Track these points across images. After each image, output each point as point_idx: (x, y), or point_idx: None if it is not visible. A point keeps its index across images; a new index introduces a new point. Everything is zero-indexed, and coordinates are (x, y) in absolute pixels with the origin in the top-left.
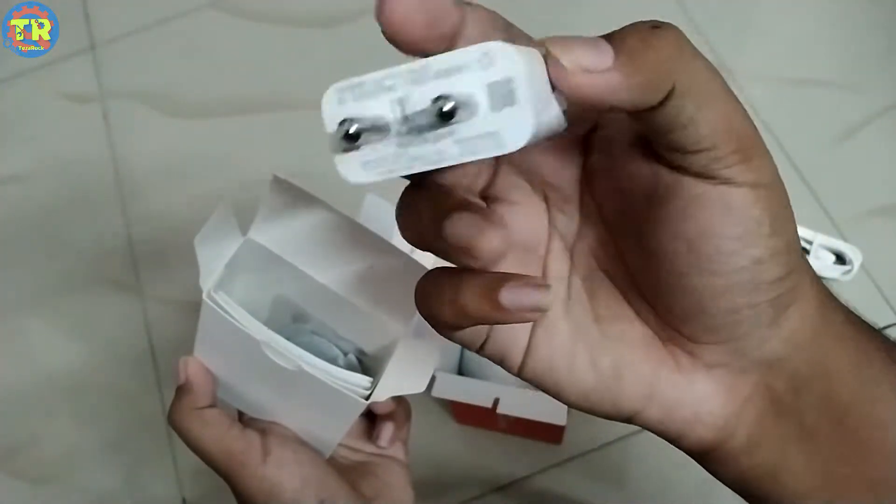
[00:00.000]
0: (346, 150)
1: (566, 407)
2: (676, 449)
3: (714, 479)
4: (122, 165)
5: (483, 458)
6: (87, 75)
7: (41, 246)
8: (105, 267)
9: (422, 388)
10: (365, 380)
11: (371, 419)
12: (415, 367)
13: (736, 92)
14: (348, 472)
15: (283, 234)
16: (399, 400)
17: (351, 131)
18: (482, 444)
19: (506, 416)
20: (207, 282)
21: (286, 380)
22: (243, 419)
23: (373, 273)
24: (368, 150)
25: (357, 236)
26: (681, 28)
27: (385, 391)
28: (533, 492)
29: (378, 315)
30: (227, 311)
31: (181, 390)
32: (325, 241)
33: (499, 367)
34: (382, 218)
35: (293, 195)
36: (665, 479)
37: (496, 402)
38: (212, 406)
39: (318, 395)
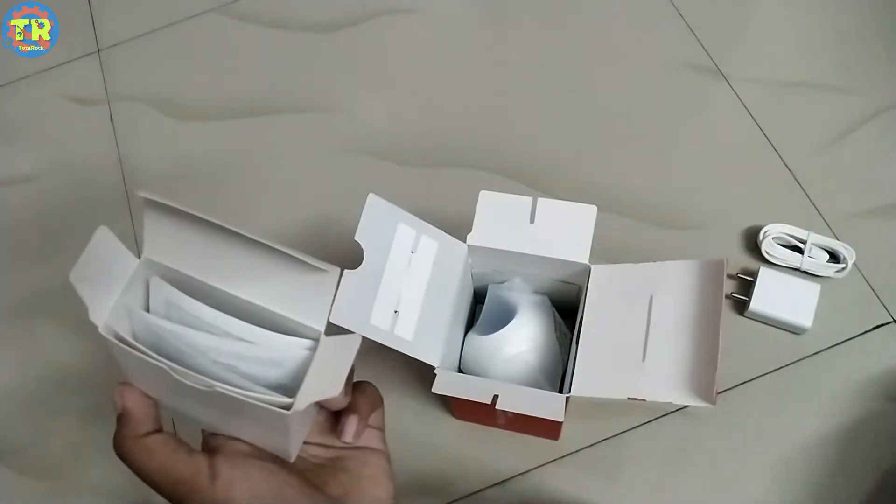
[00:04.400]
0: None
1: (564, 403)
2: (672, 445)
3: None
4: (128, 167)
5: (482, 454)
6: (94, 78)
7: (47, 246)
8: None
9: (336, 391)
10: (282, 398)
11: (338, 413)
12: (331, 369)
13: (729, 94)
14: (318, 471)
15: (177, 251)
16: (361, 389)
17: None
18: (481, 440)
19: (504, 413)
20: (99, 316)
21: (212, 399)
22: (203, 435)
23: (276, 279)
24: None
25: (247, 244)
26: (675, 30)
27: (305, 398)
28: (531, 487)
29: (292, 320)
30: (125, 343)
31: (120, 420)
32: (219, 254)
33: (498, 365)
34: (383, 217)
35: (171, 213)
36: (661, 474)
37: (495, 398)
38: (156, 431)
39: (245, 411)
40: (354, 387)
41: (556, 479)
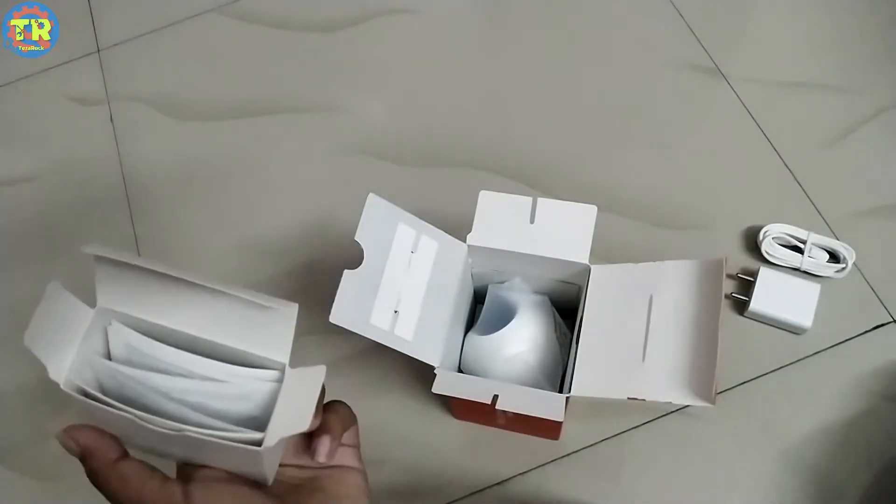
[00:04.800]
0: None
1: (564, 403)
2: (672, 445)
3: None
4: (128, 167)
5: (482, 454)
6: (94, 78)
7: (47, 246)
8: None
9: (305, 426)
10: (252, 434)
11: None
12: (299, 403)
13: (730, 94)
14: (295, 491)
15: (132, 298)
16: (333, 409)
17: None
18: (481, 441)
19: (504, 413)
20: (59, 373)
21: (183, 440)
22: (177, 463)
23: (233, 319)
24: None
25: (197, 284)
26: (675, 30)
27: (275, 434)
28: (531, 487)
29: (254, 354)
30: (89, 397)
31: (84, 458)
32: (174, 299)
33: (498, 365)
34: (383, 217)
35: (123, 266)
36: (661, 474)
37: (495, 398)
38: (125, 456)
39: (217, 450)
40: (326, 406)
41: (556, 479)
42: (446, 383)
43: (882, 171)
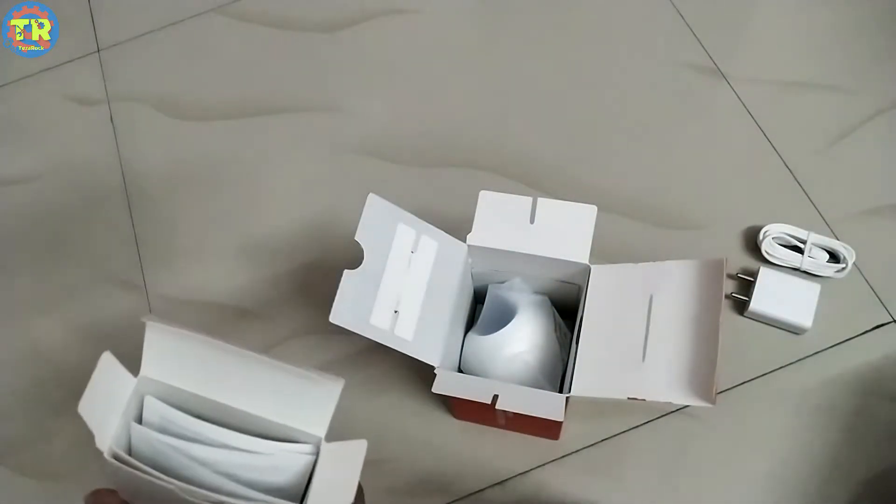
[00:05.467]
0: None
1: (564, 403)
2: (672, 445)
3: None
4: (129, 167)
5: (482, 454)
6: (94, 78)
7: (49, 246)
8: (111, 266)
9: (349, 500)
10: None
11: None
12: (339, 480)
13: (730, 94)
14: None
15: (174, 366)
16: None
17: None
18: (481, 440)
19: (504, 413)
20: (104, 441)
21: None
22: None
23: (276, 390)
24: None
25: (243, 357)
26: (676, 30)
27: None
28: (531, 487)
29: (290, 427)
30: (134, 468)
31: None
32: (218, 367)
33: (498, 365)
34: (383, 217)
35: (173, 335)
36: (661, 474)
37: (495, 398)
38: None
39: None
40: None
41: (556, 479)
42: (446, 383)
43: (882, 170)
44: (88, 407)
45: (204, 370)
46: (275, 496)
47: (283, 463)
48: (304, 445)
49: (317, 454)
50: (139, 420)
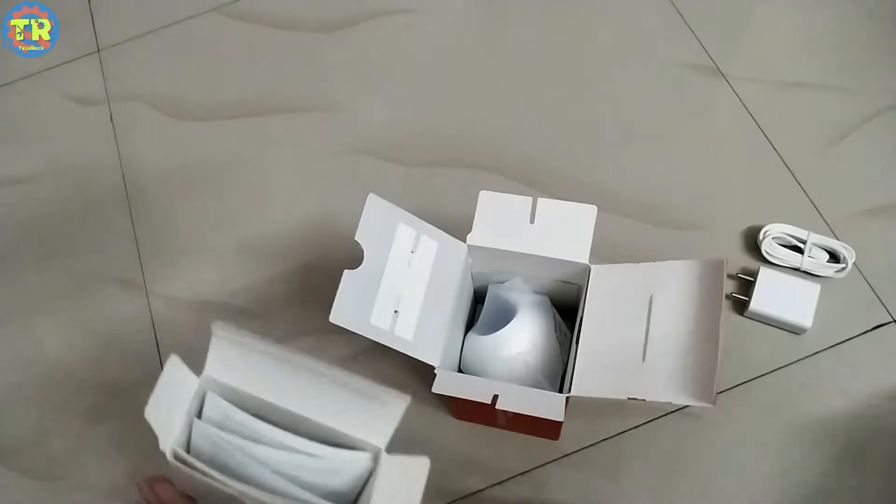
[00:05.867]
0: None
1: (564, 403)
2: (672, 445)
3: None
4: (128, 166)
5: (482, 454)
6: (94, 78)
7: (48, 246)
8: (111, 266)
9: None
10: None
11: None
12: (401, 494)
13: (730, 94)
14: None
15: (238, 370)
16: None
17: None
18: (481, 440)
19: (504, 413)
20: (167, 443)
21: None
22: None
23: (340, 403)
24: None
25: (310, 367)
26: (675, 30)
27: None
28: (531, 487)
29: (351, 437)
30: (196, 469)
31: None
32: (282, 375)
33: (498, 365)
34: (383, 217)
35: (240, 341)
36: (661, 474)
37: (495, 398)
38: None
39: None
40: None
41: (556, 479)
42: (446, 383)
43: (882, 170)
44: (154, 410)
45: (268, 377)
46: (329, 500)
47: (340, 467)
48: (363, 453)
49: (375, 463)
50: (199, 415)
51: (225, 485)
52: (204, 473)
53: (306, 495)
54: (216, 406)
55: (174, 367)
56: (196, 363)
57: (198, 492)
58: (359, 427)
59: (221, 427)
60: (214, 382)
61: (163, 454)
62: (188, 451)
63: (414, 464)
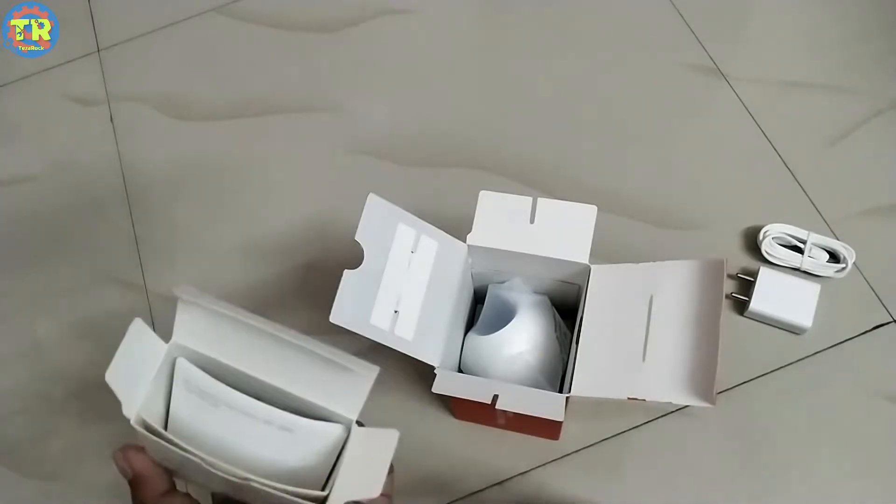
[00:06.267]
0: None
1: (564, 403)
2: (672, 445)
3: (709, 475)
4: (128, 166)
5: (482, 454)
6: (94, 78)
7: (48, 246)
8: (111, 266)
9: (375, 493)
10: (316, 492)
11: None
12: (368, 466)
13: (730, 94)
14: None
15: (207, 338)
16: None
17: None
18: (481, 440)
19: (504, 413)
20: (131, 409)
21: (242, 486)
22: (214, 499)
23: (308, 372)
24: None
25: (279, 335)
26: (675, 30)
27: (341, 496)
28: (531, 487)
29: (321, 407)
30: (160, 437)
31: (134, 483)
32: (250, 345)
33: (498, 365)
34: (383, 217)
35: (207, 307)
36: (661, 474)
37: (495, 398)
38: (172, 490)
39: (273, 500)
40: None
41: (556, 479)
42: (446, 383)
43: (882, 170)
44: (115, 374)
45: (237, 344)
46: (299, 473)
47: (310, 439)
48: (335, 425)
49: (346, 436)
50: (170, 386)
51: (192, 453)
52: (168, 441)
53: (276, 472)
54: (186, 373)
55: (138, 332)
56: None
57: (172, 461)
58: (330, 398)
59: (191, 395)
60: (184, 349)
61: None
62: (167, 419)
63: (384, 436)
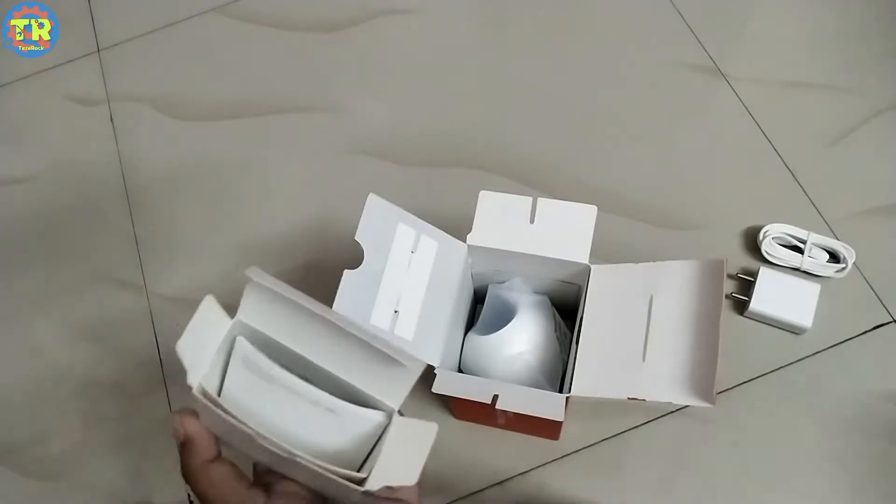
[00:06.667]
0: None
1: (564, 403)
2: (672, 445)
3: (709, 475)
4: (128, 166)
5: (482, 454)
6: (94, 78)
7: (48, 246)
8: (111, 266)
9: (412, 481)
10: (356, 473)
11: None
12: (407, 456)
13: (730, 94)
14: None
15: (268, 318)
16: None
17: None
18: (481, 441)
19: (504, 413)
20: (195, 378)
21: (287, 460)
22: (256, 469)
23: (358, 359)
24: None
25: (336, 322)
26: (675, 29)
27: (379, 480)
28: (531, 487)
29: (366, 393)
30: (218, 407)
31: (184, 448)
32: (309, 328)
33: (498, 365)
34: (383, 217)
35: (273, 290)
36: (661, 474)
37: (495, 398)
38: (218, 457)
39: (315, 476)
40: None
41: (556, 479)
42: (446, 383)
43: (882, 170)
44: (185, 346)
45: (295, 326)
46: (338, 453)
47: (353, 423)
48: (377, 412)
49: (387, 424)
50: (227, 361)
51: (245, 425)
52: (225, 411)
53: (318, 451)
54: (245, 352)
55: (209, 307)
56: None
57: (220, 430)
58: (376, 387)
59: (248, 372)
60: (245, 327)
61: (189, 389)
62: (220, 391)
63: (423, 428)
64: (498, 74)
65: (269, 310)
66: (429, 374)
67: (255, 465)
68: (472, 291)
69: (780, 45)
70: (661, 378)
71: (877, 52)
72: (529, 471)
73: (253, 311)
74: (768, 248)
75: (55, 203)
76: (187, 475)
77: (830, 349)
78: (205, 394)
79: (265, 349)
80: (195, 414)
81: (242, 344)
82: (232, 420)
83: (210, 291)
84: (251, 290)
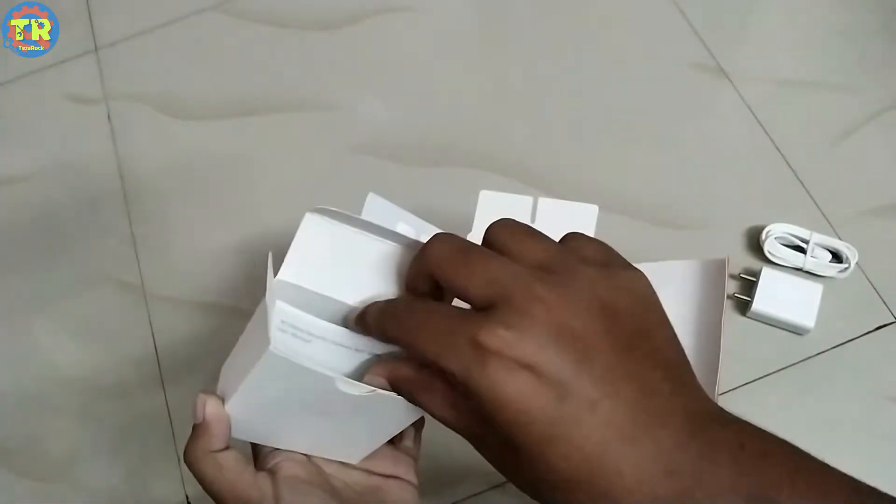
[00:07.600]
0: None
1: None
2: None
3: None
4: (126, 166)
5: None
6: (92, 77)
7: (46, 246)
8: (109, 266)
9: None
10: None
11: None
12: None
13: (732, 93)
14: (359, 500)
15: (319, 267)
16: None
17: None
18: None
19: None
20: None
21: (346, 405)
22: (257, 454)
23: None
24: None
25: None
26: (678, 29)
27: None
28: None
29: None
30: (296, 361)
31: (198, 430)
32: (360, 266)
33: None
34: (383, 216)
35: (332, 230)
36: None
37: None
38: (227, 448)
39: (378, 410)
40: None
41: None
42: None
43: (885, 170)
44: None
45: (346, 271)
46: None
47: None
48: None
49: None
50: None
51: (325, 369)
52: (304, 365)
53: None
54: (283, 315)
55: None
56: (194, 363)
57: (271, 390)
58: None
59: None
60: (288, 286)
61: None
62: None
63: None
64: (498, 73)
65: (322, 258)
66: None
67: (254, 453)
68: None
69: (783, 45)
70: None
71: (880, 51)
72: None
73: (301, 261)
74: (771, 248)
75: (53, 203)
76: (194, 461)
77: (833, 350)
78: (281, 351)
79: (305, 306)
80: (220, 398)
81: (280, 307)
82: (313, 368)
83: (209, 291)
84: (303, 236)
